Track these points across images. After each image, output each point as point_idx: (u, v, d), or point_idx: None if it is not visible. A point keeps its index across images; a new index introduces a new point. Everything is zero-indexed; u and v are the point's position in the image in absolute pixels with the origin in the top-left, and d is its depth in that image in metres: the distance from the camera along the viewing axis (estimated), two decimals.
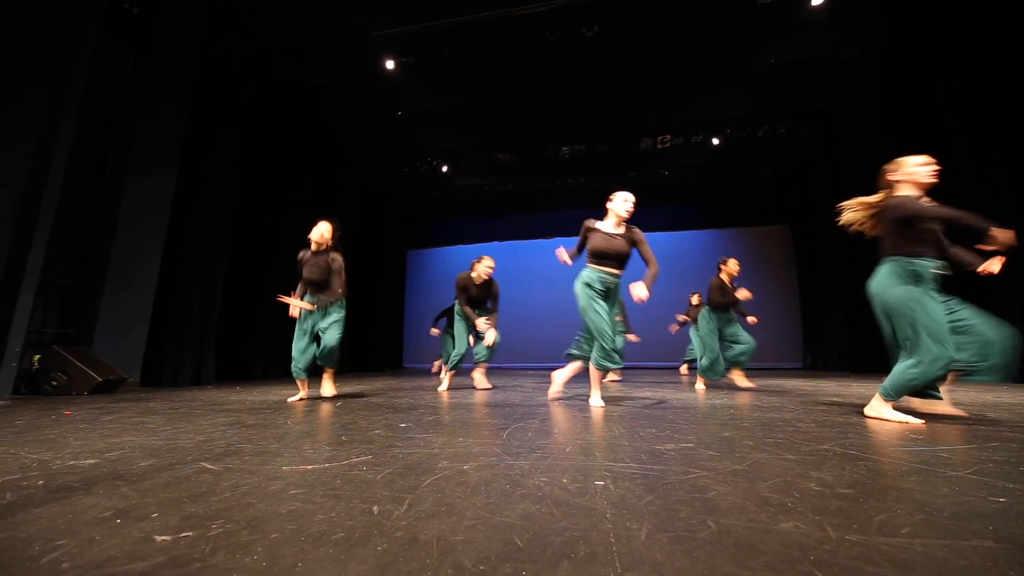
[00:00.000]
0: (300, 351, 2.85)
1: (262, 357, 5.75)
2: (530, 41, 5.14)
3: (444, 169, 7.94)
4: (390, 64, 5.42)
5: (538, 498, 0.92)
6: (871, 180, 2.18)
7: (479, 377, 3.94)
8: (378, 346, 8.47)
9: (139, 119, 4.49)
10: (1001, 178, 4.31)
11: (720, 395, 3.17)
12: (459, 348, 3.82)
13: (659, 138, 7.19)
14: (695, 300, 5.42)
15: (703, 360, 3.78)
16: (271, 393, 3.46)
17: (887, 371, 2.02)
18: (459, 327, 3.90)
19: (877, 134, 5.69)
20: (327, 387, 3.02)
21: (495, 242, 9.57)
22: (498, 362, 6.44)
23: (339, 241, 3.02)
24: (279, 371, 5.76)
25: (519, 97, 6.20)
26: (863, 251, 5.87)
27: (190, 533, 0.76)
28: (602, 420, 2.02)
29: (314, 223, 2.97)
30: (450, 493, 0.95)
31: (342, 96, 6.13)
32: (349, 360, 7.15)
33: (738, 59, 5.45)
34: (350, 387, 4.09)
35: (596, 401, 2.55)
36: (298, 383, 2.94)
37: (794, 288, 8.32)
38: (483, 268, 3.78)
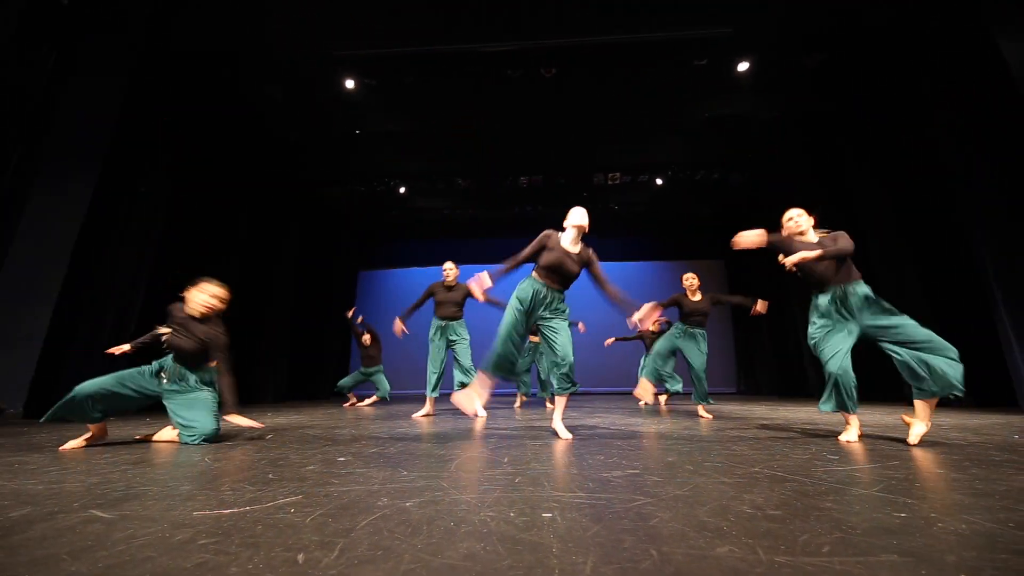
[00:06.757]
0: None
1: None
2: (494, 76, 5.37)
3: (402, 190, 7.87)
4: (350, 84, 5.39)
5: (483, 535, 0.88)
6: None
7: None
8: (321, 372, 7.91)
9: (57, 120, 4.06)
10: (892, 216, 5.18)
11: (662, 420, 3.28)
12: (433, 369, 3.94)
13: (609, 175, 7.68)
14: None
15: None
16: None
17: (811, 395, 2.19)
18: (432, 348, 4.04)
19: (793, 181, 6.52)
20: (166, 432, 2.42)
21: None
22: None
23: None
24: None
25: (481, 126, 6.40)
26: (791, 285, 6.57)
27: None
28: (553, 448, 2.01)
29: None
30: (388, 535, 0.88)
31: (297, 111, 5.95)
32: (288, 387, 6.62)
33: (678, 110, 6.07)
34: (286, 417, 3.76)
35: (559, 428, 2.40)
36: None
37: (728, 319, 9.10)
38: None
